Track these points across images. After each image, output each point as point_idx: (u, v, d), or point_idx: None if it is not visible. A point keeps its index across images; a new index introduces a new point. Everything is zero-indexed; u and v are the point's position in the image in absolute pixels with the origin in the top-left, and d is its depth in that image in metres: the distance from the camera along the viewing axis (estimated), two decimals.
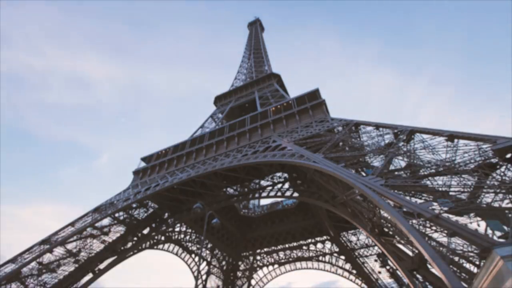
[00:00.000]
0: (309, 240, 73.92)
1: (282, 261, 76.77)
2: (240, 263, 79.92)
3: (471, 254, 16.83)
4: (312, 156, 31.61)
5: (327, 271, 70.26)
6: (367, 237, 61.37)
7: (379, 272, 60.21)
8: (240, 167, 43.60)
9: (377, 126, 34.71)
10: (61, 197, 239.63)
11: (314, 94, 49.38)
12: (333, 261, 69.33)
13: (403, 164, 26.86)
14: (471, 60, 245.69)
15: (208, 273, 72.71)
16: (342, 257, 67.76)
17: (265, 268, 78.37)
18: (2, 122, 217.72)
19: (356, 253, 65.69)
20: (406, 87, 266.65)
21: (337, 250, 68.57)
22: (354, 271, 65.05)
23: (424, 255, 16.02)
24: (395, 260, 27.69)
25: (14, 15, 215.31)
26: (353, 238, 66.67)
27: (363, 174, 30.61)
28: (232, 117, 71.80)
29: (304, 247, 74.34)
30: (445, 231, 16.97)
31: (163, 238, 61.46)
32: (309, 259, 73.13)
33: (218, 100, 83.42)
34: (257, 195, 52.86)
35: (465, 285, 14.51)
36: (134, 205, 52.04)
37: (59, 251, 43.87)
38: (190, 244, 68.78)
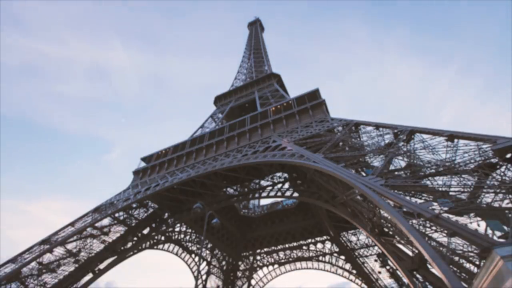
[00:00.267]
0: (309, 240, 73.91)
1: (282, 261, 76.78)
2: (240, 263, 79.92)
3: (471, 254, 16.83)
4: (312, 156, 31.61)
5: (327, 271, 70.27)
6: (367, 237, 61.35)
7: (379, 272, 60.22)
8: (240, 167, 43.60)
9: (377, 126, 34.72)
10: (71, 192, 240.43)
11: (314, 94, 49.38)
12: (333, 261, 69.34)
13: (403, 164, 26.87)
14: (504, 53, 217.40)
15: (208, 273, 72.71)
16: (342, 257, 67.76)
17: (265, 268, 78.43)
18: (15, 114, 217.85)
19: (356, 253, 65.71)
20: (432, 79, 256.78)
21: (337, 250, 68.58)
22: (354, 271, 65.06)
23: (424, 255, 16.02)
24: (395, 260, 27.69)
25: (38, 3, 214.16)
26: (353, 238, 66.73)
27: (363, 174, 30.62)
28: (232, 117, 71.81)
29: (304, 247, 74.34)
30: (445, 231, 16.97)
31: (163, 238, 61.46)
32: (309, 259, 73.13)
33: (218, 100, 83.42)
34: (257, 195, 52.87)
35: (465, 285, 14.51)
36: (134, 205, 52.04)
37: (59, 251, 43.91)
38: (190, 244, 68.79)
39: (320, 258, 71.50)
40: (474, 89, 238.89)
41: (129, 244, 51.70)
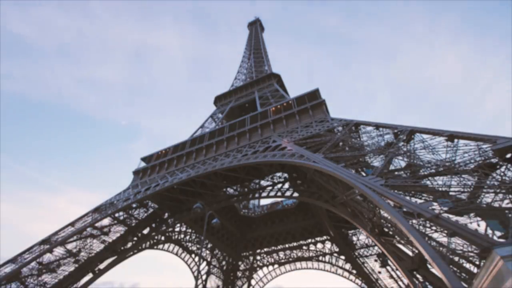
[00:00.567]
0: (309, 240, 73.90)
1: (282, 261, 76.78)
2: (240, 263, 79.92)
3: (471, 254, 16.83)
4: (312, 156, 31.61)
5: (327, 271, 70.26)
6: (367, 237, 61.33)
7: (379, 272, 60.28)
8: (240, 167, 43.60)
9: (377, 126, 34.72)
10: (94, 183, 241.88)
11: (314, 94, 49.38)
12: (333, 261, 69.33)
13: (403, 164, 26.86)
14: None
15: (208, 273, 72.73)
16: (342, 257, 67.75)
17: (265, 268, 78.44)
18: (46, 98, 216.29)
19: (356, 253, 65.70)
20: (480, 67, 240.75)
21: (337, 250, 68.58)
22: (354, 271, 65.05)
23: (424, 255, 16.02)
24: (395, 260, 27.70)
25: None
26: (353, 238, 66.68)
27: (363, 174, 30.61)
28: (232, 117, 71.82)
29: (304, 247, 74.34)
30: (445, 231, 16.97)
31: (163, 238, 61.47)
32: (309, 259, 73.12)
33: (218, 100, 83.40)
34: (257, 195, 52.87)
35: (465, 285, 14.50)
36: (134, 205, 52.03)
37: (59, 251, 43.90)
38: (190, 244, 68.80)
39: (320, 258, 71.51)
40: None
41: (129, 244, 51.70)
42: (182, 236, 66.94)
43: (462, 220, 17.41)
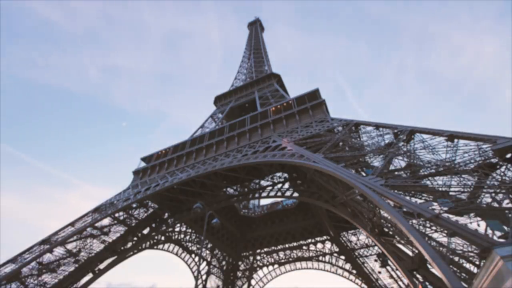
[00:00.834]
0: (309, 240, 73.90)
1: (282, 261, 76.78)
2: (240, 263, 79.92)
3: (471, 254, 16.83)
4: (312, 156, 31.61)
5: (327, 271, 70.27)
6: (367, 237, 61.35)
7: (379, 272, 60.32)
8: (240, 167, 43.60)
9: (377, 126, 34.73)
10: (109, 178, 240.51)
11: (314, 94, 49.37)
12: (333, 261, 69.35)
13: (403, 164, 26.85)
14: None
15: (208, 273, 72.73)
16: (342, 257, 67.76)
17: (265, 268, 78.43)
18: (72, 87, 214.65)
19: (356, 253, 65.71)
20: None
21: (337, 250, 68.58)
22: (354, 271, 65.06)
23: (424, 255, 16.02)
24: (395, 260, 27.69)
25: None
26: (353, 238, 66.72)
27: (363, 174, 30.62)
28: (232, 117, 71.82)
29: (304, 247, 74.34)
30: (445, 231, 16.97)
31: (163, 238, 61.48)
32: (309, 259, 73.13)
33: (218, 100, 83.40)
34: (257, 195, 52.87)
35: (465, 285, 14.50)
36: (134, 205, 52.03)
37: (59, 251, 43.90)
38: (190, 244, 68.80)
39: (320, 258, 71.52)
40: None
41: (129, 244, 51.70)
42: (182, 236, 66.94)
43: (462, 220, 17.41)
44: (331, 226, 63.71)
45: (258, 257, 79.64)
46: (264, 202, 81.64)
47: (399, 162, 27.26)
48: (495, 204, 18.05)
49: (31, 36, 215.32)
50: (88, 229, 46.22)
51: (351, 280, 65.81)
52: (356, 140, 35.60)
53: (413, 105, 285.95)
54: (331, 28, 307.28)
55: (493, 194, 18.43)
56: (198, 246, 69.61)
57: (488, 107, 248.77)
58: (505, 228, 16.16)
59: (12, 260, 41.47)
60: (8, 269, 39.80)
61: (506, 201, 17.72)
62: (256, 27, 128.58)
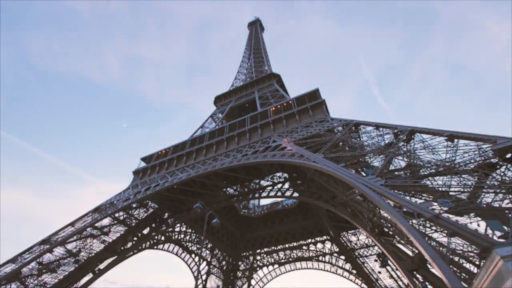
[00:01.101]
0: (309, 240, 73.89)
1: (282, 261, 76.77)
2: (240, 263, 79.92)
3: (471, 254, 16.83)
4: (312, 156, 31.61)
5: (327, 271, 70.26)
6: (367, 237, 61.35)
7: (379, 272, 60.31)
8: (240, 167, 43.60)
9: (377, 126, 34.74)
10: (123, 172, 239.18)
11: (314, 94, 49.37)
12: (333, 261, 69.33)
13: (403, 164, 26.86)
14: None
15: (208, 273, 72.74)
16: (342, 257, 67.75)
17: (265, 268, 78.41)
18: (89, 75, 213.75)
19: (356, 253, 65.70)
20: None
21: (337, 250, 68.58)
22: (354, 271, 65.05)
23: (424, 255, 16.02)
24: (395, 260, 27.71)
25: None
26: (353, 238, 66.70)
27: (363, 174, 30.61)
28: (232, 117, 71.81)
29: (304, 247, 74.33)
30: (445, 231, 16.97)
31: (163, 238, 61.46)
32: (309, 259, 73.12)
33: (218, 100, 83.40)
34: (257, 195, 52.86)
35: (465, 285, 14.50)
36: (134, 205, 52.02)
37: (59, 251, 43.90)
38: (190, 244, 68.79)
39: (320, 258, 71.50)
40: None
41: (129, 244, 51.70)
42: (182, 236, 66.93)
43: (462, 220, 17.42)
44: (331, 226, 63.69)
45: (258, 257, 79.65)
46: (264, 202, 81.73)
47: (399, 162, 27.28)
48: (495, 204, 18.06)
49: (54, 25, 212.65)
50: (88, 229, 46.22)
51: (351, 280, 65.81)
52: (356, 140, 35.59)
53: (436, 100, 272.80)
54: (362, 20, 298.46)
55: (493, 194, 18.43)
56: (198, 246, 69.60)
57: None
58: (505, 228, 16.16)
59: (12, 260, 41.47)
60: (8, 269, 39.81)
61: (506, 201, 17.73)
62: (256, 27, 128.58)
